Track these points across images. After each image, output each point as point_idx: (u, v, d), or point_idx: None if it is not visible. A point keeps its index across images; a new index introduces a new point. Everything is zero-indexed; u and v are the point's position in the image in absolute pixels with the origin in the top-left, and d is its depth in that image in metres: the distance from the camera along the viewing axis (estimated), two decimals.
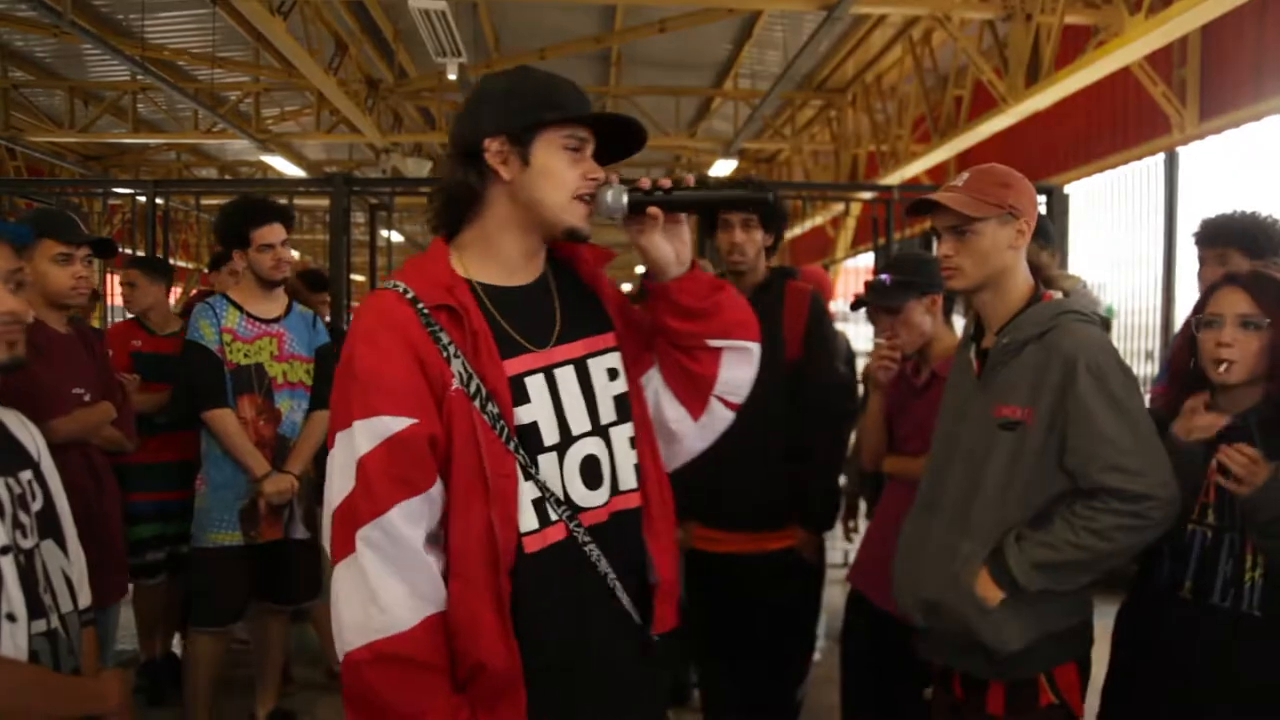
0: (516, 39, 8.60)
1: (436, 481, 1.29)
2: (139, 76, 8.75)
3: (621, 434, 1.44)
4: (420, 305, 1.31)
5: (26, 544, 1.44)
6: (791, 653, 2.85)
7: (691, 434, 1.55)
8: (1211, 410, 1.84)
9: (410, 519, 1.26)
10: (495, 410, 1.30)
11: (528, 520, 1.32)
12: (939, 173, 9.04)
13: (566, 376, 1.40)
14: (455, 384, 1.29)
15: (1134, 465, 1.69)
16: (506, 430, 1.31)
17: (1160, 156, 6.20)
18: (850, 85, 9.82)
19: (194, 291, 6.88)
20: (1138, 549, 1.76)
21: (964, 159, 8.99)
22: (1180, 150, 6.07)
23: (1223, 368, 1.79)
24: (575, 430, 1.38)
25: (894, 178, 8.69)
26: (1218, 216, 2.66)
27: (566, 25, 8.20)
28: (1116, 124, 6.71)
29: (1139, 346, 6.38)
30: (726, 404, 1.55)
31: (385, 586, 1.24)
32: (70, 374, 2.62)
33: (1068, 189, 6.92)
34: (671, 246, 1.43)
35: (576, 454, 1.38)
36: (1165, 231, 6.09)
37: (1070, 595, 1.79)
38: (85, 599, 1.59)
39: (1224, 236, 2.60)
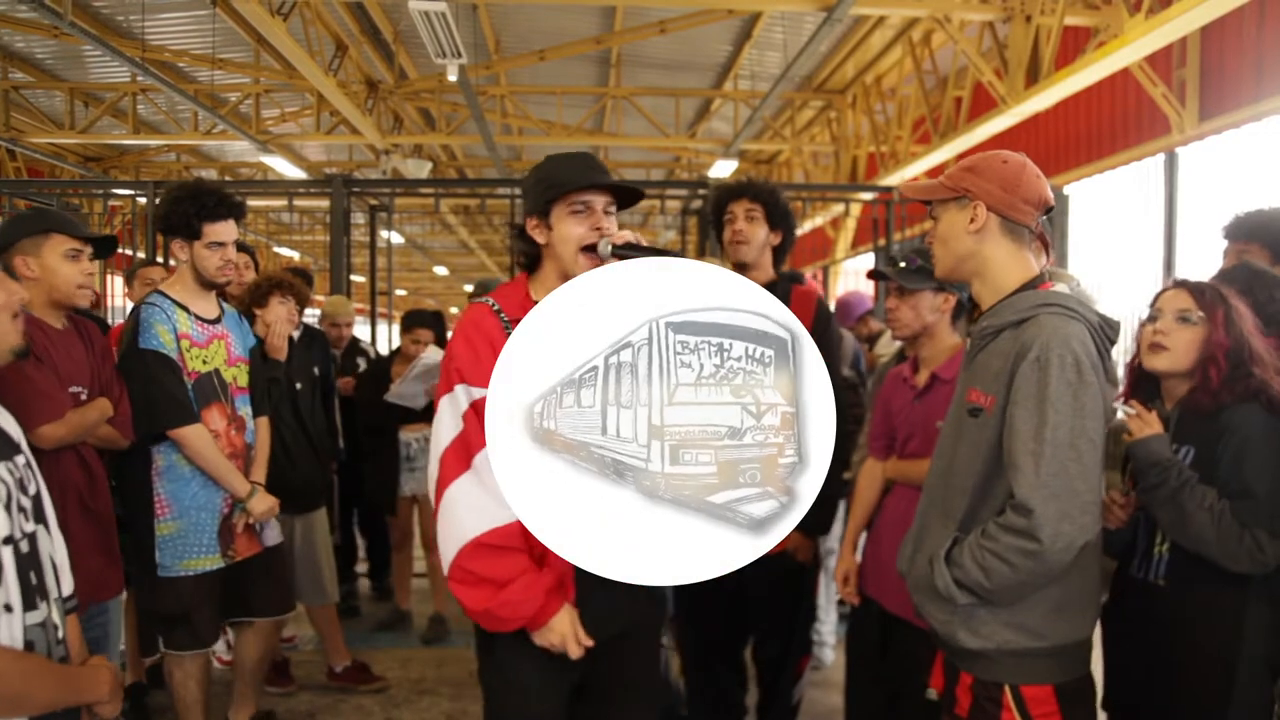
0: (516, 40, 8.61)
1: None
2: (139, 78, 8.77)
3: None
4: (503, 315, 1.84)
5: (28, 528, 1.45)
6: (784, 653, 2.87)
7: None
8: (1155, 404, 1.99)
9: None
10: None
11: None
12: (939, 174, 9.03)
13: None
14: None
15: (1028, 467, 1.55)
16: None
17: (1160, 157, 6.20)
18: (850, 86, 9.83)
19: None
20: (1045, 579, 1.59)
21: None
22: (1180, 150, 6.07)
23: (1154, 351, 1.95)
24: None
25: (894, 179, 8.70)
26: (1251, 211, 2.62)
27: (566, 26, 8.21)
28: (1116, 124, 6.72)
29: None
30: None
31: (495, 492, 1.67)
32: (67, 372, 2.51)
33: (1068, 189, 6.96)
34: None
35: None
36: (1165, 232, 6.09)
37: (1035, 616, 1.64)
38: (68, 586, 1.60)
39: (1248, 231, 2.59)
